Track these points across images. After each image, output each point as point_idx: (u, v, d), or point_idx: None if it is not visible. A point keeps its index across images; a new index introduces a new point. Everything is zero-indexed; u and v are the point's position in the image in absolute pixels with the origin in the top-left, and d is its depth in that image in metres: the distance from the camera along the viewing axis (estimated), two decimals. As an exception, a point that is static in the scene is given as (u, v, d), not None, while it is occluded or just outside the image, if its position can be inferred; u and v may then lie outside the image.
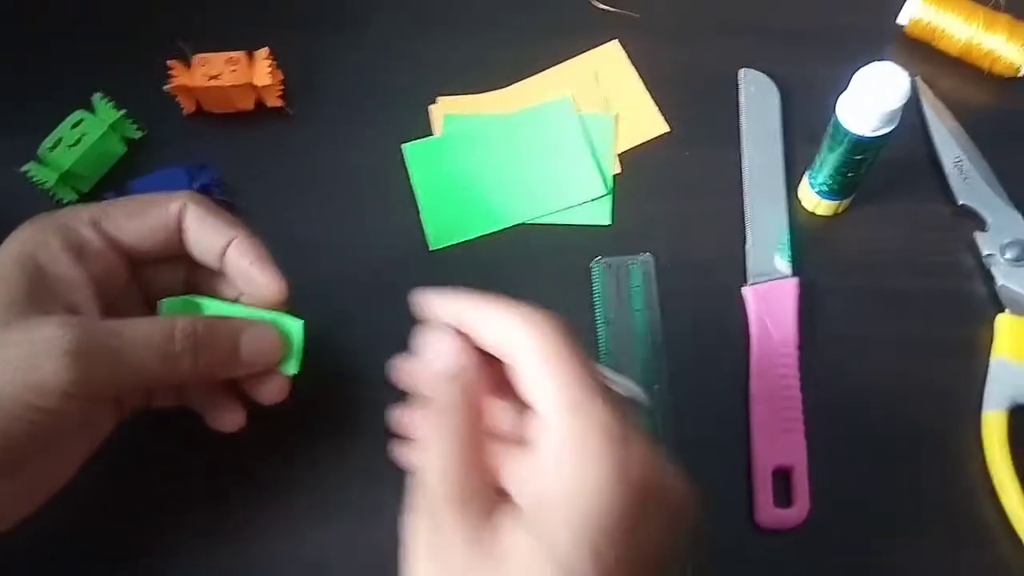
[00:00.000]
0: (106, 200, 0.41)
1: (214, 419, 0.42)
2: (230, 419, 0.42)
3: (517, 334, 0.33)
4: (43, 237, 0.38)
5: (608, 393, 0.32)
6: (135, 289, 0.42)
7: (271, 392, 0.41)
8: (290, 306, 0.42)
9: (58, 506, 0.39)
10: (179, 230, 0.41)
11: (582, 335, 0.47)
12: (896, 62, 0.44)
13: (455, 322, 0.35)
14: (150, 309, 0.41)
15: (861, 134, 0.44)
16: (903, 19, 0.55)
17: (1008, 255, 0.48)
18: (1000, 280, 0.48)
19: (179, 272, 0.42)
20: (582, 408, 0.31)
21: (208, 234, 0.41)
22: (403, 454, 0.36)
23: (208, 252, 0.41)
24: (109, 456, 0.41)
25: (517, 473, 0.33)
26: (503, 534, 0.31)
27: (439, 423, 0.33)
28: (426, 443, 0.33)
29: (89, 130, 0.51)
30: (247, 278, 0.41)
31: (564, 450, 0.31)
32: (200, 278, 0.43)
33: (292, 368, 0.41)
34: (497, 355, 0.34)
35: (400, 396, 0.37)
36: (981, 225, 0.50)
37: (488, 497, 0.32)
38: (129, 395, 0.42)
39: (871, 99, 0.43)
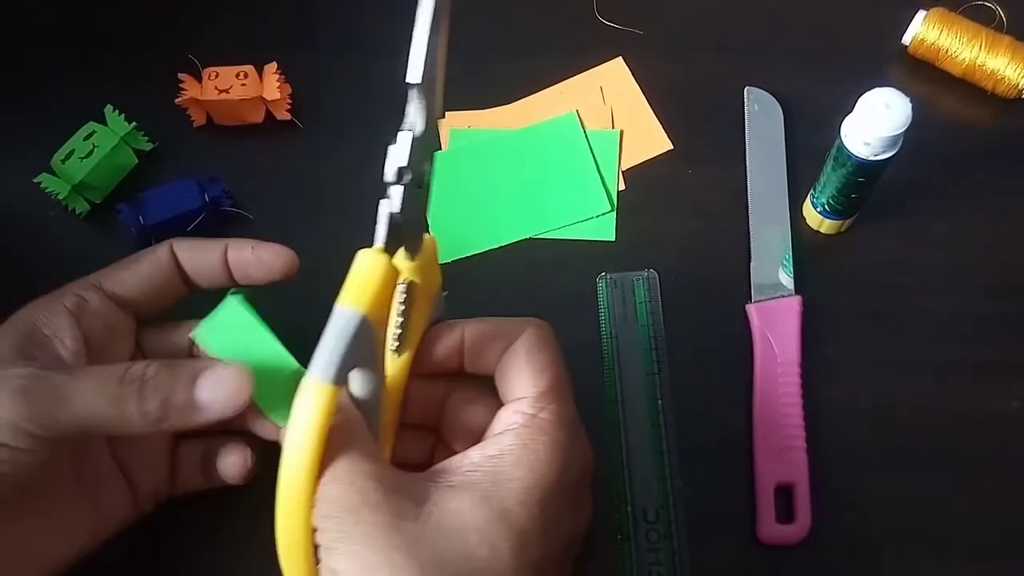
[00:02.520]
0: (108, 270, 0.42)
1: (222, 465, 0.42)
2: (236, 458, 0.42)
3: (518, 329, 0.37)
4: (49, 302, 0.40)
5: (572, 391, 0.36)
6: (140, 353, 0.42)
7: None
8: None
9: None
10: (175, 269, 0.42)
11: (587, 349, 0.49)
12: (899, 82, 0.44)
13: (458, 338, 0.38)
14: None
15: (864, 157, 0.45)
16: (907, 40, 0.55)
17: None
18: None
19: (184, 334, 0.43)
20: (563, 398, 0.35)
21: (203, 253, 0.42)
22: None
23: (210, 267, 0.42)
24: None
25: (468, 460, 0.33)
26: (446, 506, 0.31)
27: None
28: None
29: (101, 142, 0.52)
30: (255, 264, 0.42)
31: (540, 432, 0.34)
32: None
33: (285, 418, 0.36)
34: (491, 356, 0.37)
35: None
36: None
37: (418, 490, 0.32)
38: (115, 458, 0.41)
39: (874, 124, 0.43)
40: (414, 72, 0.31)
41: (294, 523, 0.31)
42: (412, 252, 0.34)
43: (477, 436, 0.36)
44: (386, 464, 0.33)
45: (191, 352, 0.43)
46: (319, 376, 0.31)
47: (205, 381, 0.37)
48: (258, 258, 0.42)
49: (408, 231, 0.34)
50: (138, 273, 0.42)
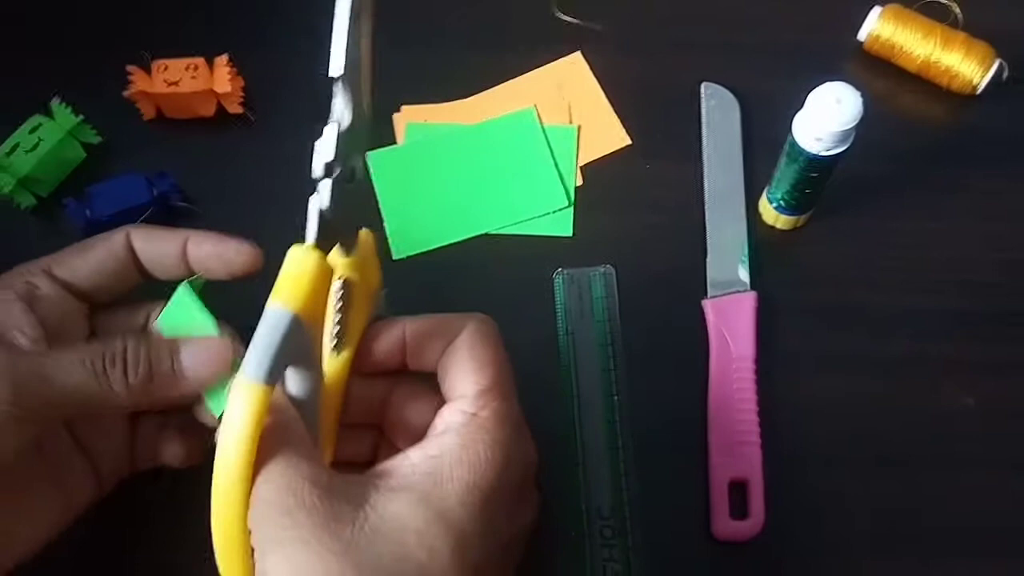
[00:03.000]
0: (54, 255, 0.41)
1: (168, 449, 0.41)
2: (177, 448, 0.41)
3: (459, 325, 0.37)
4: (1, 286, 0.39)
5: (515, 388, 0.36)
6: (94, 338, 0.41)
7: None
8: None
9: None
10: (130, 258, 0.41)
11: (543, 345, 0.48)
12: (855, 78, 0.44)
13: (399, 336, 0.37)
14: None
15: (815, 152, 0.45)
16: (862, 36, 0.55)
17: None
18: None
19: (139, 317, 0.42)
20: (505, 395, 0.35)
21: (160, 244, 0.41)
22: None
23: (167, 259, 0.41)
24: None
25: (407, 460, 0.33)
26: (385, 508, 0.31)
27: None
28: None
29: (47, 135, 0.51)
30: (215, 260, 0.41)
31: (481, 431, 0.33)
32: None
33: (220, 407, 0.38)
34: (432, 353, 0.37)
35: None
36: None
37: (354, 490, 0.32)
38: (88, 436, 0.41)
39: (825, 119, 0.43)
40: (336, 65, 0.31)
41: (228, 524, 0.31)
42: (347, 248, 0.34)
43: (421, 434, 0.35)
44: (323, 466, 0.32)
45: None
46: (251, 375, 0.30)
47: (187, 349, 0.37)
48: (218, 254, 0.41)
49: (341, 227, 0.33)
50: (90, 261, 0.41)
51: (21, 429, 0.35)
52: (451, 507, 0.31)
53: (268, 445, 0.31)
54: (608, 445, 0.46)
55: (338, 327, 0.35)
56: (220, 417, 0.34)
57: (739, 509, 0.45)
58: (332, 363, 0.36)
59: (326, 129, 0.32)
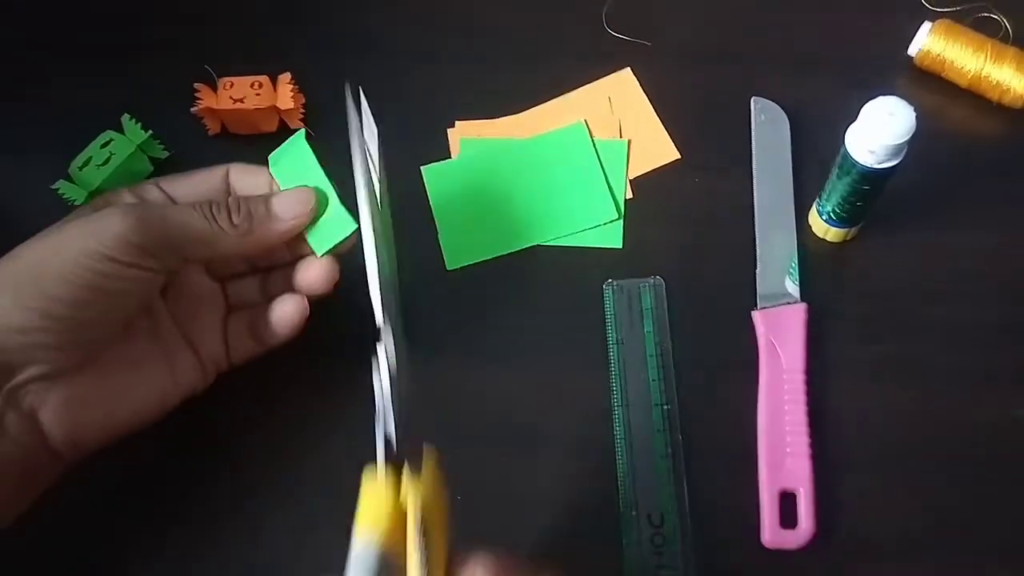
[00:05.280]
0: None
1: (275, 314, 0.46)
2: (291, 307, 0.46)
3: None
4: (114, 192, 0.46)
5: None
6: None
7: (317, 276, 0.46)
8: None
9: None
10: (223, 188, 0.46)
11: (592, 355, 0.49)
12: (906, 93, 0.44)
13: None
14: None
15: (868, 165, 0.45)
16: (912, 51, 0.56)
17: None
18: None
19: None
20: None
21: (255, 178, 0.46)
22: None
23: (256, 191, 0.46)
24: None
25: None
26: None
27: None
28: None
29: (117, 150, 0.53)
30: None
31: None
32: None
33: (321, 248, 0.45)
34: None
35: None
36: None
37: None
38: (193, 277, 0.47)
39: (878, 132, 0.43)
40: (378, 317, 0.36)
41: None
42: (414, 468, 0.35)
43: None
44: None
45: None
46: None
47: (277, 197, 0.45)
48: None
49: (407, 447, 0.35)
50: (192, 181, 0.46)
51: (143, 260, 0.41)
52: None
53: None
54: (658, 454, 0.47)
55: (424, 559, 0.34)
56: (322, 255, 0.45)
57: (788, 518, 0.45)
58: None
59: (376, 386, 0.35)
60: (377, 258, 0.37)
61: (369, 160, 0.40)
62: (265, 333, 0.47)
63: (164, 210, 0.43)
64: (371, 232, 0.37)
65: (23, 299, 0.39)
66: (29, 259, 0.40)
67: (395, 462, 0.35)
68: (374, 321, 0.36)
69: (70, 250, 0.40)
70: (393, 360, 0.35)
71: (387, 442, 0.34)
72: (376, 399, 0.35)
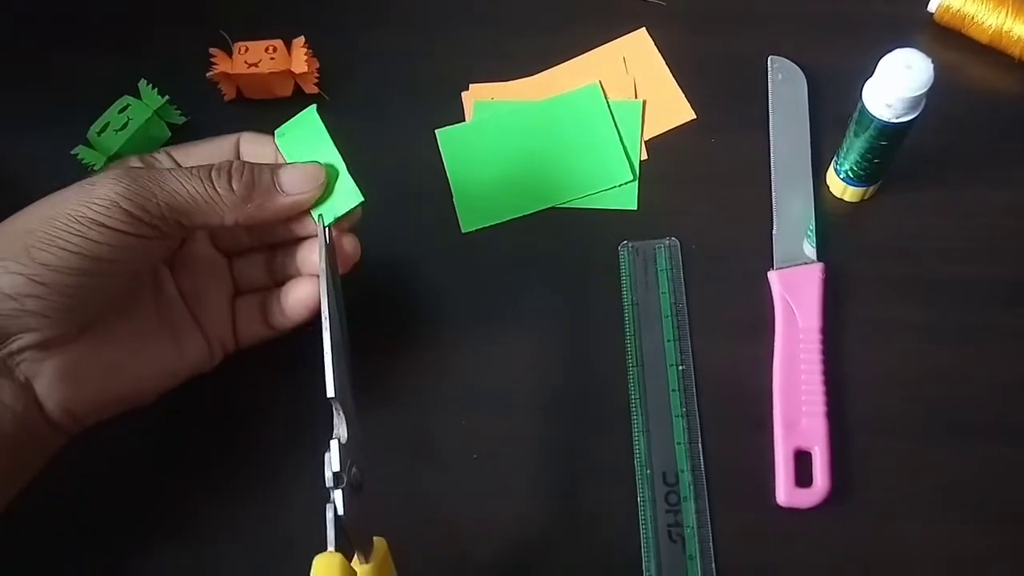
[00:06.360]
0: None
1: (289, 297, 0.46)
2: (305, 290, 0.45)
3: None
4: (123, 160, 0.45)
5: None
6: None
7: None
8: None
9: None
10: (234, 155, 0.46)
11: (608, 316, 0.49)
12: (926, 49, 0.44)
13: None
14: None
15: (886, 120, 0.45)
16: (932, 6, 0.55)
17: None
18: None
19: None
20: None
21: (263, 148, 0.46)
22: None
23: (264, 160, 0.45)
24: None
25: None
26: None
27: None
28: None
29: (135, 115, 0.54)
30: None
31: None
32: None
33: (328, 217, 0.44)
34: None
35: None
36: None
37: None
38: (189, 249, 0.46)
39: (895, 85, 0.43)
40: (330, 388, 0.36)
41: None
42: (365, 556, 0.36)
43: None
44: None
45: None
46: None
47: (286, 169, 0.43)
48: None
49: (357, 534, 0.36)
50: (203, 147, 0.46)
51: (133, 228, 0.39)
52: None
53: None
54: (673, 414, 0.47)
55: None
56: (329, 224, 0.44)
57: (804, 477, 0.45)
58: None
59: (331, 443, 0.36)
60: (331, 337, 0.38)
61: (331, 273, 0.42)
62: (279, 317, 0.46)
63: (159, 174, 0.41)
64: (327, 319, 0.39)
65: (15, 265, 0.38)
66: (22, 226, 0.39)
67: (344, 549, 0.35)
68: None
69: (61, 216, 0.39)
70: (344, 437, 0.37)
71: (337, 526, 0.35)
72: (326, 479, 0.35)
